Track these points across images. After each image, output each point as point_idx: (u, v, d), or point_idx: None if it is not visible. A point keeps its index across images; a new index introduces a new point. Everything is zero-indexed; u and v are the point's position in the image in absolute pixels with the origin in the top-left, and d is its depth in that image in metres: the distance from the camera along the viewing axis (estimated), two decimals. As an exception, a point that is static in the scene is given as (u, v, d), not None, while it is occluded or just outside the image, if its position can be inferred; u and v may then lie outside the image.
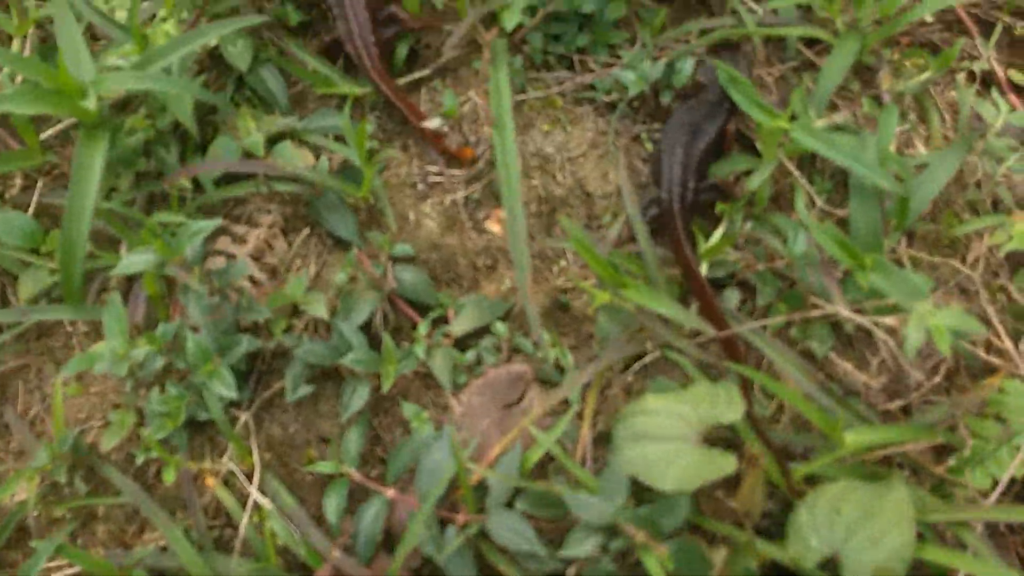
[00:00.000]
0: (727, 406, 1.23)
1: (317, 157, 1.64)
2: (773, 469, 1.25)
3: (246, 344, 1.42)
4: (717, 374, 1.41)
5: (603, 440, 1.39)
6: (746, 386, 1.35)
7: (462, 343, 1.50)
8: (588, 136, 1.63)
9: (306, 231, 1.60)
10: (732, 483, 1.25)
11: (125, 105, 1.68)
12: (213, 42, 1.61)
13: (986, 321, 1.48)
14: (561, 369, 1.47)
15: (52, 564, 1.43)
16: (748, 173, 1.54)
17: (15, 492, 1.46)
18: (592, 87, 1.67)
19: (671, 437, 1.25)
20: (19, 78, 1.67)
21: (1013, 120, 1.51)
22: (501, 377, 1.44)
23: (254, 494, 1.41)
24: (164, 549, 1.43)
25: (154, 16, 1.77)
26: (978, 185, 1.57)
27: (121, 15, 1.82)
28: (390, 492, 1.38)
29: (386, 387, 1.41)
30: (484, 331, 1.51)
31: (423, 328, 1.48)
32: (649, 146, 1.64)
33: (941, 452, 1.37)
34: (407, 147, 1.67)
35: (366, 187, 1.53)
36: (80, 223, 1.48)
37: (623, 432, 1.29)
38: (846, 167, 1.43)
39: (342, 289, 1.51)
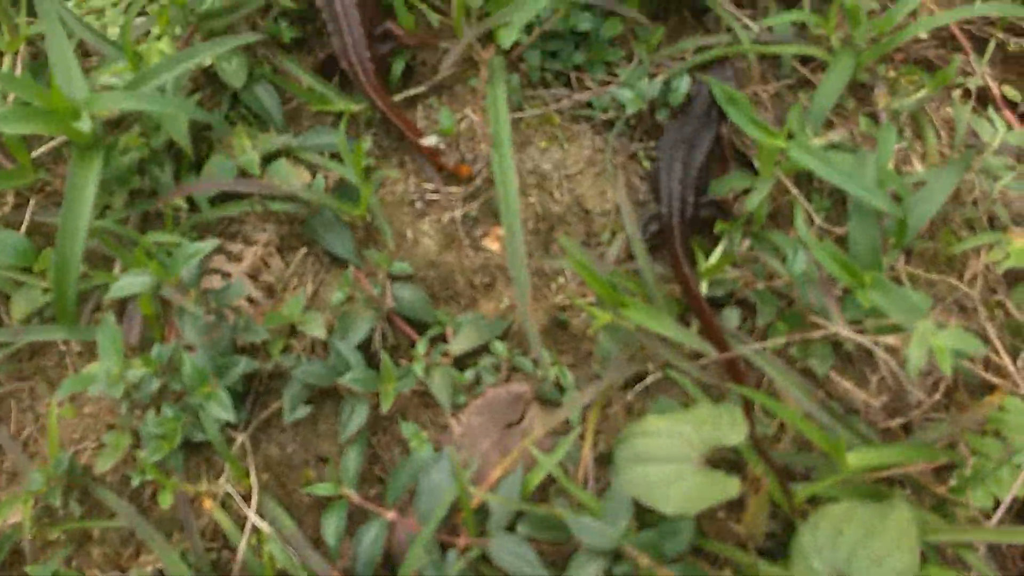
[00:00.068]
0: (730, 428, 1.23)
1: (313, 175, 1.63)
2: (776, 490, 1.25)
3: (243, 365, 1.40)
4: (719, 393, 1.40)
5: (605, 460, 1.38)
6: (748, 407, 1.35)
7: (461, 362, 1.49)
8: (585, 154, 1.63)
9: (303, 250, 1.59)
10: (735, 503, 1.25)
11: (119, 122, 1.66)
12: (208, 61, 1.60)
13: (984, 338, 1.48)
14: (561, 388, 1.46)
15: (47, 588, 1.42)
16: (746, 192, 1.54)
17: (8, 516, 1.44)
18: (589, 105, 1.67)
19: (673, 458, 1.24)
20: (11, 96, 1.66)
21: (1010, 139, 1.52)
22: (501, 397, 1.43)
23: (252, 517, 1.39)
24: (161, 573, 1.41)
25: (147, 33, 1.77)
26: (975, 203, 1.58)
27: (113, 31, 1.81)
28: (390, 514, 1.37)
29: (385, 407, 1.40)
30: (483, 350, 1.50)
31: (421, 347, 1.47)
32: (646, 164, 1.64)
33: (942, 470, 1.37)
34: (403, 164, 1.66)
35: (363, 206, 1.53)
36: (74, 243, 1.47)
37: (624, 453, 1.28)
38: (844, 189, 1.43)
39: (340, 308, 1.50)
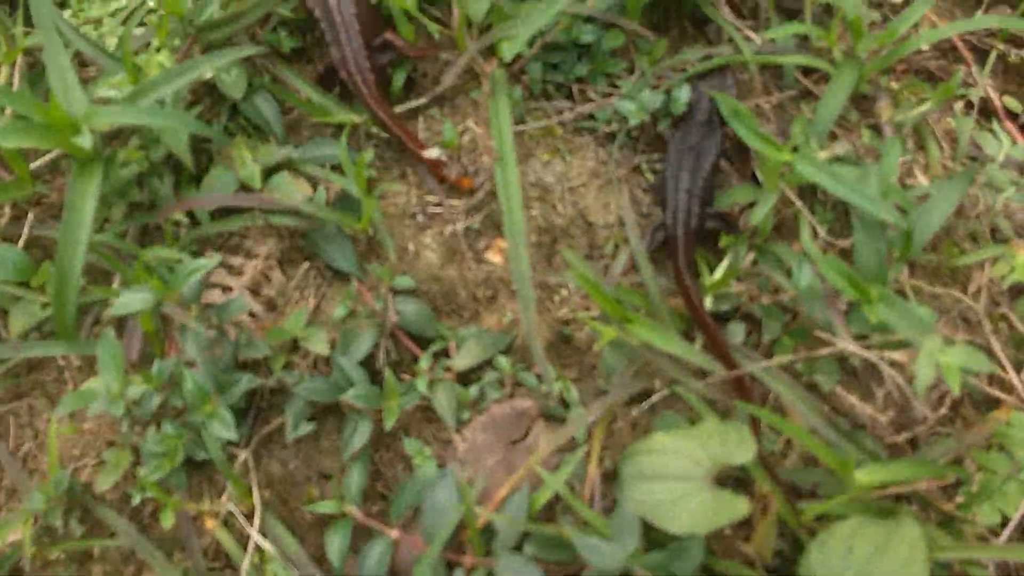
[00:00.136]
0: (737, 446, 1.22)
1: (314, 187, 1.61)
2: (784, 508, 1.24)
3: (245, 382, 1.39)
4: (724, 408, 1.40)
5: (611, 477, 1.37)
6: (756, 424, 1.34)
7: (464, 377, 1.49)
8: (588, 166, 1.62)
9: (305, 264, 1.57)
10: (742, 521, 1.24)
11: (117, 134, 1.65)
12: (208, 74, 1.58)
13: (989, 352, 1.48)
14: (566, 404, 1.45)
15: (47, 608, 1.41)
16: (751, 205, 1.53)
17: (8, 535, 1.43)
18: (591, 117, 1.66)
19: (680, 476, 1.24)
20: (9, 108, 1.64)
21: (1014, 153, 1.51)
22: (505, 413, 1.42)
23: (255, 536, 1.38)
24: (162, 592, 1.40)
25: (147, 45, 1.75)
26: (978, 216, 1.58)
27: (111, 42, 1.80)
28: (394, 532, 1.36)
29: (388, 424, 1.39)
30: (486, 364, 1.50)
31: (424, 362, 1.46)
32: (649, 176, 1.64)
33: (948, 486, 1.37)
34: (405, 175, 1.65)
35: (366, 219, 1.51)
36: (74, 258, 1.45)
37: (630, 470, 1.28)
38: (850, 202, 1.42)
39: (342, 323, 1.49)
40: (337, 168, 1.62)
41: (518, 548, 1.27)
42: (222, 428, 1.35)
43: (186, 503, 1.39)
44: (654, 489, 1.24)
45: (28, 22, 1.74)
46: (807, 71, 1.73)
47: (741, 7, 1.78)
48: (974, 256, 1.52)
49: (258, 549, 1.39)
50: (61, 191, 1.67)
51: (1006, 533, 1.27)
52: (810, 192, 1.58)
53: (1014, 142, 1.59)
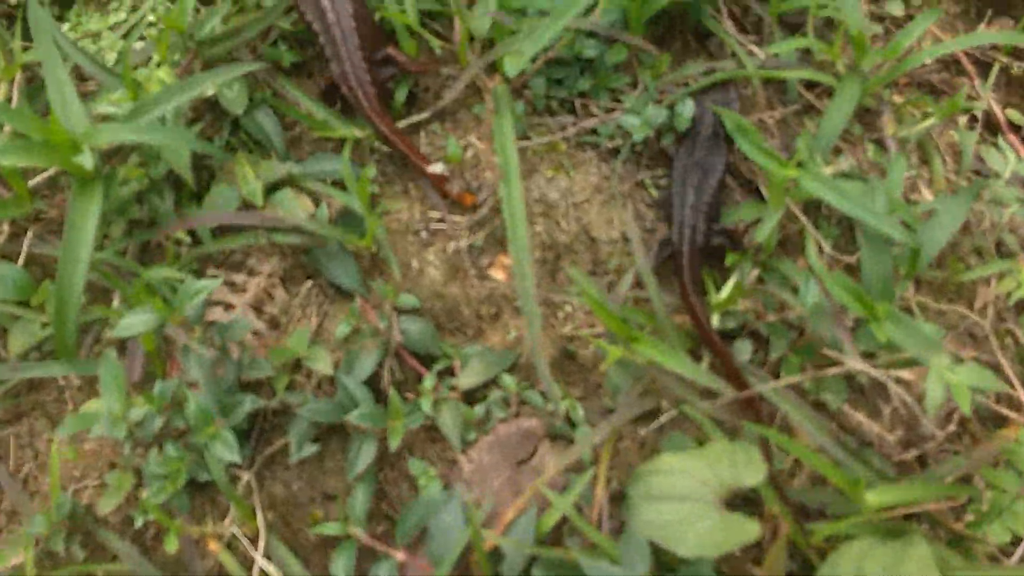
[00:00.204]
0: (746, 467, 1.21)
1: (316, 203, 1.60)
2: (794, 530, 1.23)
3: (249, 404, 1.38)
4: (732, 428, 1.39)
5: (618, 498, 1.36)
6: (765, 445, 1.33)
7: (469, 396, 1.47)
8: (592, 181, 1.61)
9: (308, 283, 1.56)
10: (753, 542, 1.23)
11: (117, 150, 1.63)
12: (210, 91, 1.57)
13: (996, 368, 1.47)
14: (572, 423, 1.44)
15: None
16: (756, 221, 1.52)
17: (10, 559, 1.41)
18: (595, 132, 1.65)
19: (688, 498, 1.23)
20: (8, 125, 1.62)
21: (1020, 170, 1.51)
22: (511, 433, 1.41)
23: (258, 559, 1.37)
24: (165, 616, 1.39)
25: (147, 59, 1.74)
26: (984, 232, 1.57)
27: (111, 56, 1.79)
28: (400, 554, 1.34)
29: (393, 445, 1.38)
30: (491, 383, 1.48)
31: (429, 382, 1.45)
32: (653, 191, 1.63)
33: (958, 504, 1.36)
34: (407, 190, 1.64)
35: (369, 237, 1.50)
36: (74, 277, 1.44)
37: (638, 491, 1.27)
38: (857, 218, 1.42)
39: (345, 341, 1.48)
40: (339, 184, 1.60)
41: (526, 572, 1.25)
42: (225, 450, 1.33)
43: (189, 526, 1.38)
44: (662, 510, 1.23)
45: (27, 36, 1.73)
46: (810, 85, 1.72)
47: (744, 21, 1.78)
48: (980, 272, 1.51)
49: (262, 572, 1.37)
50: (60, 207, 1.66)
51: (1018, 553, 1.26)
52: (815, 207, 1.58)
53: (1018, 155, 1.59)
